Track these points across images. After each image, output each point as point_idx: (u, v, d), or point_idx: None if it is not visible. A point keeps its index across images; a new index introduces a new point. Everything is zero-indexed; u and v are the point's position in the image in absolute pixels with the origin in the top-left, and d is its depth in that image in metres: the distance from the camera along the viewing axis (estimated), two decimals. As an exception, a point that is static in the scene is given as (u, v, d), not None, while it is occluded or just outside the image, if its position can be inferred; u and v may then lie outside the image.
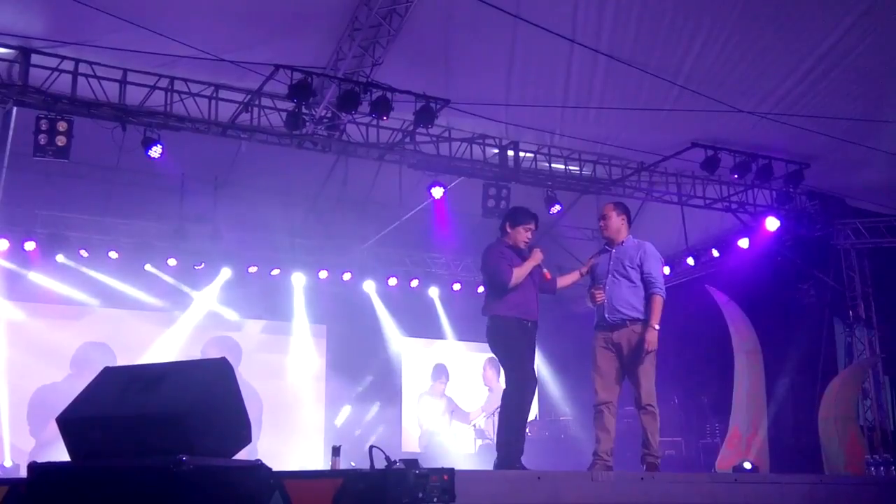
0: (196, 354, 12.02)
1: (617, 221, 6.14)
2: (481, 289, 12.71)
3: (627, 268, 5.98)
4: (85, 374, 10.59)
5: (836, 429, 9.98)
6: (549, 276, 6.24)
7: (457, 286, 13.74)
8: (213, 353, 12.86)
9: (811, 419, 10.40)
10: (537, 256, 6.02)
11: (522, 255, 6.06)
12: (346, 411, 13.52)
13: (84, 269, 12.01)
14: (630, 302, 5.91)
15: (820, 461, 9.98)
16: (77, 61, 8.36)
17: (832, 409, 10.09)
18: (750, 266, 11.53)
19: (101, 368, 4.11)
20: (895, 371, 11.24)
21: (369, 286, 13.64)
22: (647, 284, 5.95)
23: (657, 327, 5.83)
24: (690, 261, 12.28)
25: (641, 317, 5.89)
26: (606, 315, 5.94)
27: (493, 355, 6.24)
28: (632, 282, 5.96)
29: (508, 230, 6.13)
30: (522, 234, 6.07)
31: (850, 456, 9.71)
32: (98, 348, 12.28)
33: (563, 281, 6.38)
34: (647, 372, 5.86)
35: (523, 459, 5.88)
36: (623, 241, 6.12)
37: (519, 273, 5.92)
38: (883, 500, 5.79)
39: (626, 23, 7.90)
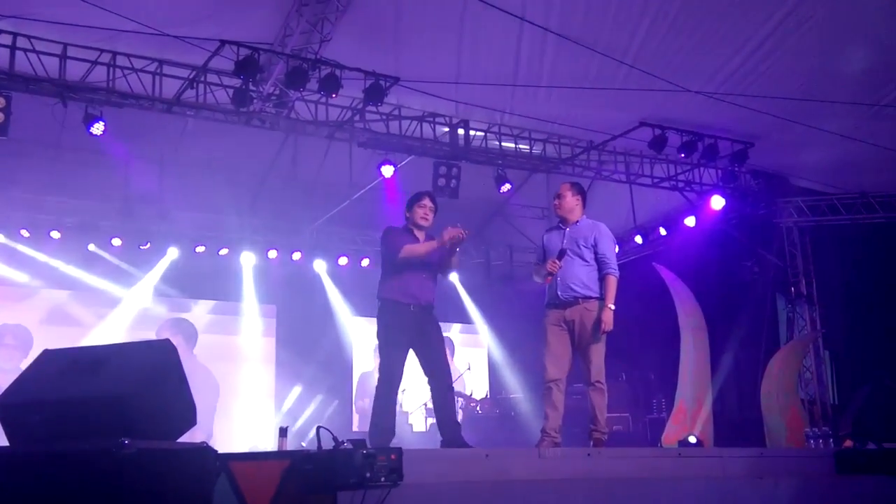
0: (142, 336, 11.83)
1: (572, 201, 6.19)
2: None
3: (581, 247, 6.03)
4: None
5: (778, 403, 10.25)
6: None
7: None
8: (169, 335, 12.73)
9: (754, 394, 10.66)
10: (444, 237, 5.93)
11: (428, 237, 6.12)
12: (296, 392, 13.44)
13: (25, 249, 11.73)
14: (583, 280, 5.96)
15: (762, 434, 10.24)
16: (15, 35, 8.09)
17: (774, 383, 10.35)
18: (696, 244, 11.72)
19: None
20: (835, 346, 11.55)
21: (319, 265, 13.55)
22: (602, 265, 6.02)
23: (613, 307, 5.90)
24: (638, 239, 12.43)
25: (594, 295, 5.96)
26: (559, 293, 5.98)
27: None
28: (585, 261, 6.01)
29: (407, 214, 6.23)
30: (418, 213, 6.16)
31: (791, 429, 9.98)
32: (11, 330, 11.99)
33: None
34: (598, 349, 5.94)
35: (472, 437, 5.94)
36: (577, 221, 6.17)
37: (411, 249, 5.97)
38: (822, 471, 5.97)
39: (575, 1, 7.91)
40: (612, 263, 6.04)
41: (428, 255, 6.07)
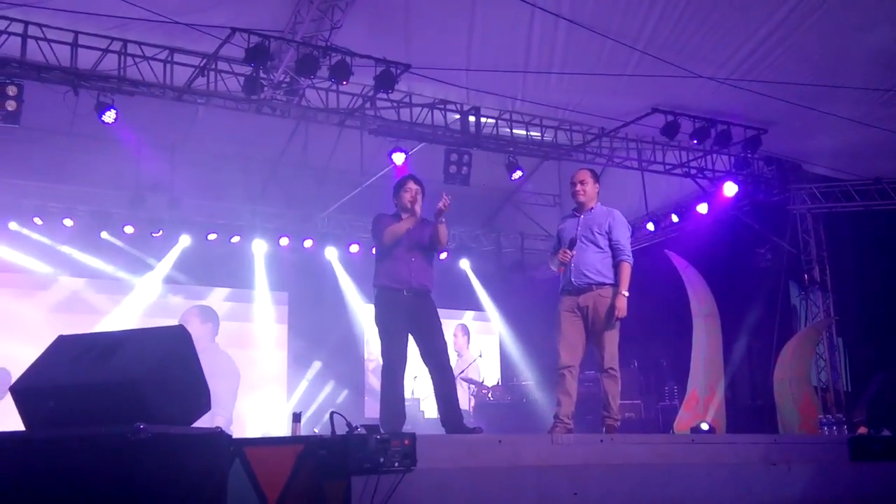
0: (155, 324, 11.84)
1: (593, 188, 6.17)
2: (444, 255, 12.79)
3: (596, 234, 6.00)
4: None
5: (791, 390, 10.21)
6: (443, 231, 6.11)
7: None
8: (198, 321, 12.86)
9: (767, 381, 10.62)
10: (414, 216, 5.96)
11: (420, 220, 6.09)
12: (308, 378, 13.50)
13: (38, 237, 11.78)
14: (597, 267, 5.94)
15: (775, 422, 10.21)
16: (26, 23, 8.10)
17: (787, 370, 10.31)
18: (708, 231, 11.67)
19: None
20: (848, 333, 11.49)
21: (331, 253, 13.57)
22: (616, 251, 5.99)
23: (626, 294, 5.88)
24: (650, 226, 12.39)
25: (608, 282, 5.93)
26: (573, 279, 5.96)
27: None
28: (599, 248, 5.99)
29: (395, 201, 6.20)
30: (404, 197, 6.10)
31: (804, 416, 9.95)
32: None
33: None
34: (612, 336, 5.92)
35: (483, 424, 5.93)
36: (592, 208, 6.14)
37: (391, 230, 5.95)
38: (835, 458, 5.94)
39: (586, -13, 7.87)
40: (627, 250, 6.02)
41: (417, 236, 6.04)
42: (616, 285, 5.92)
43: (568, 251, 5.94)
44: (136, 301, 12.65)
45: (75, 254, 12.12)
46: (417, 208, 6.03)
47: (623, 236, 6.05)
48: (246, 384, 13.14)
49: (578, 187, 6.15)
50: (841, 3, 7.84)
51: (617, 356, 5.93)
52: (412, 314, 5.96)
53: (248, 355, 13.40)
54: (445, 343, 6.11)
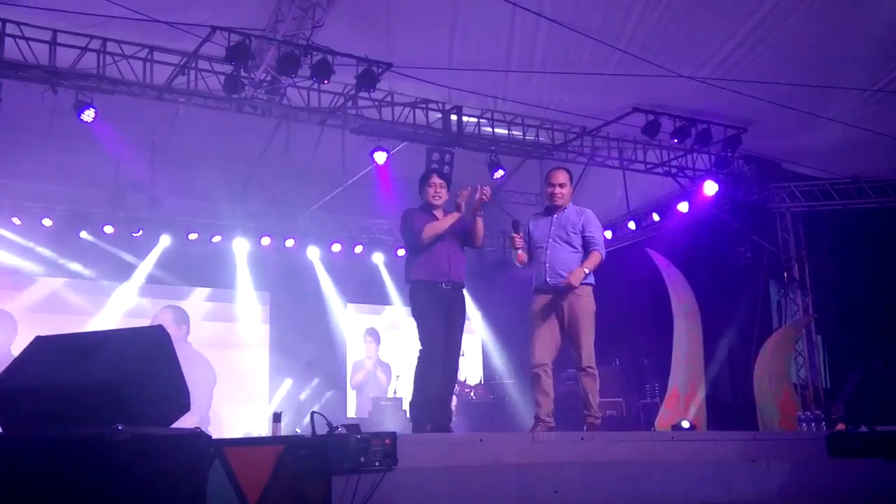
0: (136, 324, 11.77)
1: (570, 190, 6.21)
2: (402, 252, 12.77)
3: (570, 233, 6.02)
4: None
5: (771, 387, 10.29)
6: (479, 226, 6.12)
7: (401, 252, 13.69)
8: (171, 322, 12.74)
9: (747, 378, 10.69)
10: (458, 208, 5.94)
11: (444, 212, 6.10)
12: (290, 378, 13.46)
13: (16, 237, 11.67)
14: (572, 267, 5.95)
15: (755, 418, 10.28)
16: (4, 21, 8.02)
17: (767, 367, 10.39)
18: (689, 230, 11.72)
19: None
20: (827, 331, 11.58)
21: (313, 252, 13.54)
22: (589, 244, 6.02)
23: (587, 271, 5.90)
24: (632, 225, 12.44)
25: (584, 281, 5.96)
26: (548, 279, 5.98)
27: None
28: (574, 247, 6.01)
29: (420, 196, 6.23)
30: (429, 192, 6.14)
31: (783, 413, 10.03)
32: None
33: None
34: (589, 335, 5.94)
35: (466, 423, 5.95)
36: (566, 208, 6.16)
37: (432, 227, 5.93)
38: (814, 454, 5.99)
39: (567, -14, 7.89)
40: (601, 244, 6.08)
41: (451, 229, 6.02)
42: (591, 285, 5.96)
43: (515, 234, 6.00)
44: (116, 302, 12.56)
45: (54, 254, 12.02)
46: (462, 206, 5.93)
47: (597, 232, 6.12)
48: (227, 384, 13.07)
49: (557, 189, 6.14)
50: (820, 4, 7.90)
51: (593, 354, 5.96)
52: (447, 307, 5.97)
53: (230, 355, 13.34)
54: (461, 342, 6.14)
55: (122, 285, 12.65)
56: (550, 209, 6.20)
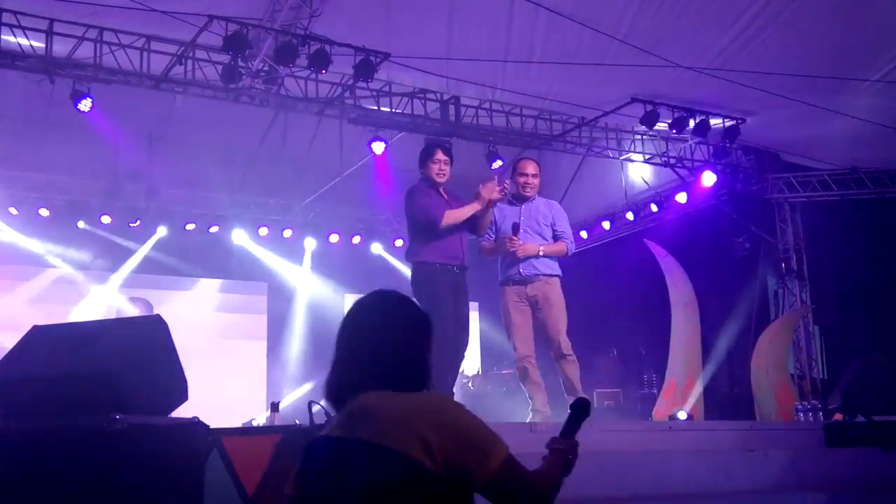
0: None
1: (538, 180, 6.25)
2: (399, 242, 12.75)
3: (542, 225, 6.08)
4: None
5: (768, 377, 10.29)
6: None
7: (399, 242, 13.69)
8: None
9: (744, 368, 10.70)
10: (481, 200, 5.78)
11: (447, 193, 6.03)
12: (289, 368, 13.46)
13: (13, 229, 11.65)
14: (544, 258, 6.00)
15: (752, 409, 10.29)
16: (0, 10, 7.99)
17: (765, 358, 10.39)
18: (687, 220, 11.73)
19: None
20: (825, 321, 11.59)
21: (310, 243, 13.53)
22: (560, 238, 6.09)
23: (542, 249, 5.96)
24: (630, 215, 12.42)
25: (556, 272, 6.03)
26: (522, 270, 6.04)
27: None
28: (545, 239, 6.10)
29: (421, 170, 6.01)
30: (433, 169, 5.90)
31: (781, 404, 10.02)
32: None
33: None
34: (564, 323, 6.01)
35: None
36: (534, 199, 6.19)
37: (452, 215, 5.74)
38: (811, 444, 6.01)
39: (566, -24, 7.85)
40: (571, 238, 6.19)
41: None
42: (559, 276, 6.02)
43: (514, 238, 5.96)
44: (113, 292, 12.53)
45: (51, 244, 11.99)
46: (485, 194, 5.76)
47: (567, 226, 6.21)
48: (225, 375, 13.05)
49: (530, 179, 6.17)
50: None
51: (569, 341, 5.99)
52: (455, 289, 5.85)
53: (227, 346, 13.34)
54: (469, 326, 5.99)
55: (118, 275, 12.60)
56: (519, 199, 6.20)
